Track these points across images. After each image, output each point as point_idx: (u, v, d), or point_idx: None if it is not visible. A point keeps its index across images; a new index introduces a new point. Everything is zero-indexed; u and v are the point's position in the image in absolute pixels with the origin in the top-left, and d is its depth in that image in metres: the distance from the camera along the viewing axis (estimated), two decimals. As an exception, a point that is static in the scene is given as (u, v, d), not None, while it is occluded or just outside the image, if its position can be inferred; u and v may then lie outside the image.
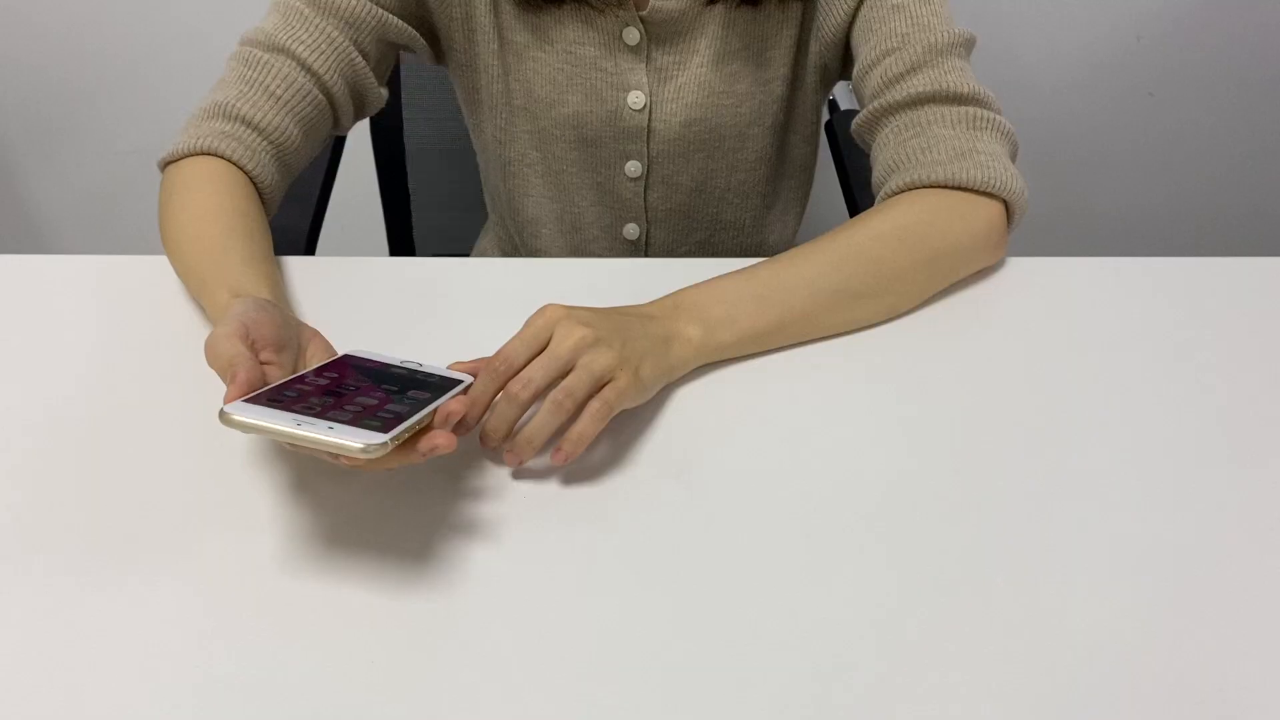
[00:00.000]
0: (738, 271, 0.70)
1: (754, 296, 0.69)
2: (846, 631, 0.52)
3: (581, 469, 0.61)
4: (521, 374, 0.60)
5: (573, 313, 0.62)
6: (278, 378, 0.55)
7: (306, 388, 0.52)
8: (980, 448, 0.63)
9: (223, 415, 0.47)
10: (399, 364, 0.59)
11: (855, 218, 0.75)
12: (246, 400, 0.49)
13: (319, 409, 0.49)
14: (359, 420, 0.49)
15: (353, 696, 0.49)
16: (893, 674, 0.50)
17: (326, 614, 0.53)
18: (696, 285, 0.69)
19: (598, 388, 0.60)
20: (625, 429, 0.64)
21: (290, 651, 0.51)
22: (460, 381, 0.58)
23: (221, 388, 0.51)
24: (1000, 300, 0.75)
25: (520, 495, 0.59)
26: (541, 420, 0.59)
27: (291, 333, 0.59)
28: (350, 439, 0.47)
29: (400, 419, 0.50)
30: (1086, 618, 0.53)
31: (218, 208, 0.71)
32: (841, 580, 0.55)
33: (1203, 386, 0.68)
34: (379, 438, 0.47)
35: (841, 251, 0.71)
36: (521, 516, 0.58)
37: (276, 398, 0.50)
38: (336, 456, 0.49)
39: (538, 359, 0.60)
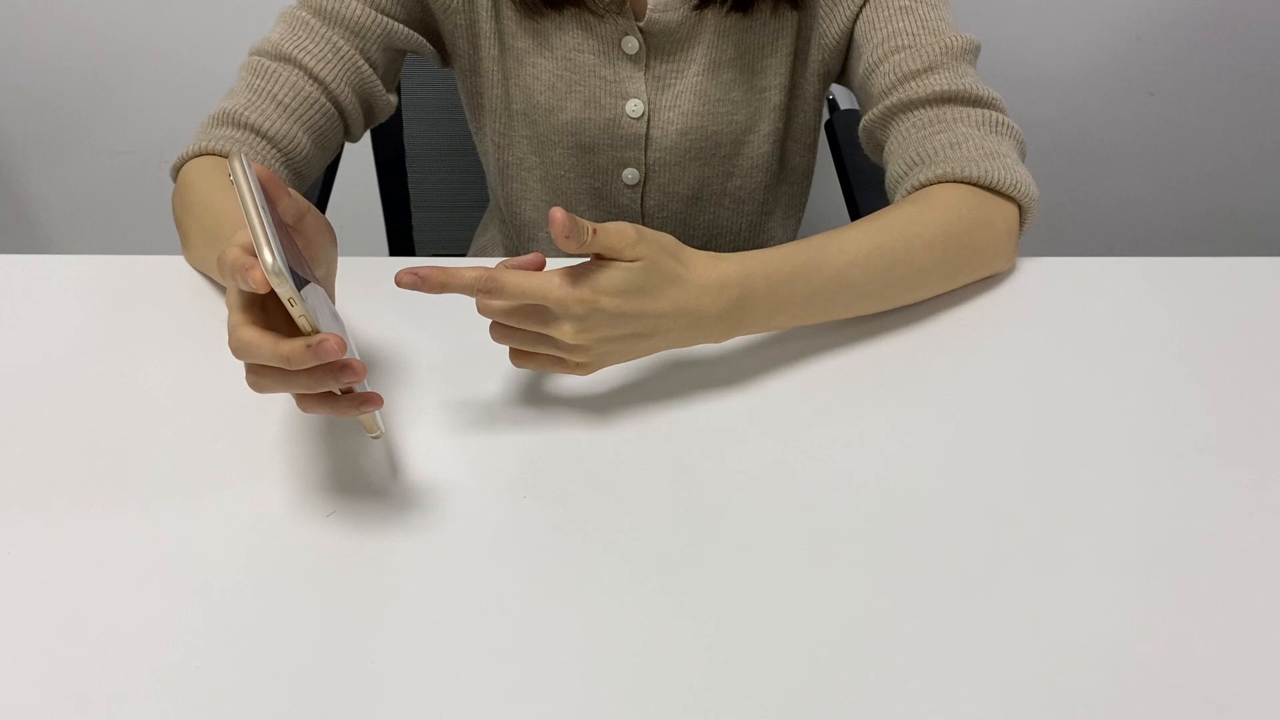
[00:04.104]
0: (803, 265, 0.66)
1: (804, 299, 0.67)
2: (848, 632, 0.52)
3: (582, 469, 0.61)
4: (497, 306, 0.58)
5: (595, 311, 0.59)
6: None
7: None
8: (981, 447, 0.63)
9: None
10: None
11: (903, 213, 0.72)
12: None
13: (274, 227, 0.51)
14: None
15: (348, 687, 0.49)
16: (893, 675, 0.50)
17: (326, 620, 0.53)
18: (765, 275, 0.65)
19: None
20: (625, 430, 0.64)
21: (284, 655, 0.51)
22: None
23: (221, 393, 0.51)
24: (999, 299, 0.75)
25: (520, 496, 0.59)
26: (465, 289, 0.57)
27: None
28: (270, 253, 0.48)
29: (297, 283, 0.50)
30: (1097, 617, 0.53)
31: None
32: (843, 581, 0.55)
33: (1201, 387, 0.68)
34: (279, 266, 0.48)
35: (894, 258, 0.69)
36: (521, 516, 0.58)
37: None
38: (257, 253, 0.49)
39: (523, 315, 0.59)
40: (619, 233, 0.58)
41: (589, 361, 0.62)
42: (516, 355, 0.63)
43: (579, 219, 0.56)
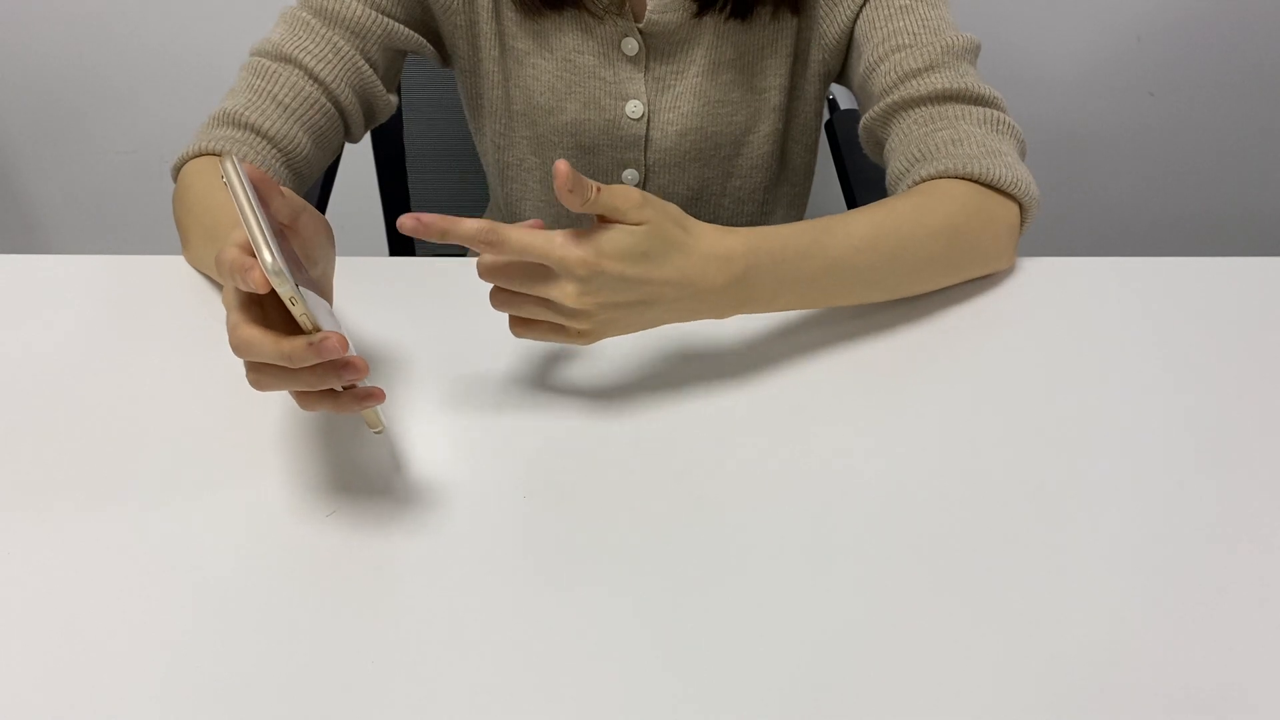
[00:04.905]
0: (809, 245, 0.66)
1: (809, 279, 0.66)
2: (851, 630, 0.52)
3: (583, 468, 0.61)
4: (501, 265, 0.58)
5: (598, 274, 0.58)
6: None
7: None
8: (982, 446, 0.63)
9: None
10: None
11: (908, 202, 0.72)
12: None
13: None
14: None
15: (346, 689, 0.49)
16: (896, 674, 0.50)
17: (326, 620, 0.53)
18: (771, 251, 0.64)
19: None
20: (626, 429, 0.64)
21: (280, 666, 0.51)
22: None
23: (221, 393, 0.51)
24: (999, 299, 0.75)
25: (521, 495, 0.59)
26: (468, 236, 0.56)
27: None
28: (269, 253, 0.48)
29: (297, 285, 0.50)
30: (1098, 617, 0.53)
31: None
32: (846, 579, 0.55)
33: (1202, 387, 0.68)
34: (279, 266, 0.48)
35: (899, 244, 0.69)
36: (522, 515, 0.58)
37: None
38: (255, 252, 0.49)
39: (524, 275, 0.58)
40: (624, 194, 0.58)
41: (590, 329, 0.61)
42: (516, 324, 0.62)
43: (583, 176, 0.55)
